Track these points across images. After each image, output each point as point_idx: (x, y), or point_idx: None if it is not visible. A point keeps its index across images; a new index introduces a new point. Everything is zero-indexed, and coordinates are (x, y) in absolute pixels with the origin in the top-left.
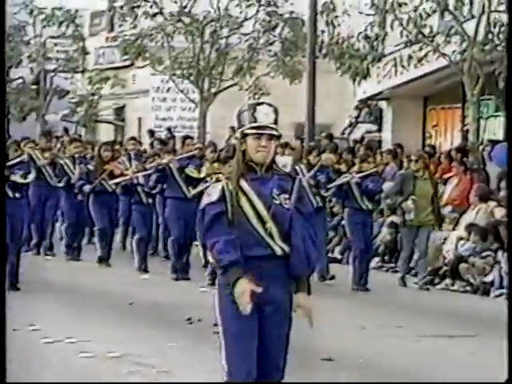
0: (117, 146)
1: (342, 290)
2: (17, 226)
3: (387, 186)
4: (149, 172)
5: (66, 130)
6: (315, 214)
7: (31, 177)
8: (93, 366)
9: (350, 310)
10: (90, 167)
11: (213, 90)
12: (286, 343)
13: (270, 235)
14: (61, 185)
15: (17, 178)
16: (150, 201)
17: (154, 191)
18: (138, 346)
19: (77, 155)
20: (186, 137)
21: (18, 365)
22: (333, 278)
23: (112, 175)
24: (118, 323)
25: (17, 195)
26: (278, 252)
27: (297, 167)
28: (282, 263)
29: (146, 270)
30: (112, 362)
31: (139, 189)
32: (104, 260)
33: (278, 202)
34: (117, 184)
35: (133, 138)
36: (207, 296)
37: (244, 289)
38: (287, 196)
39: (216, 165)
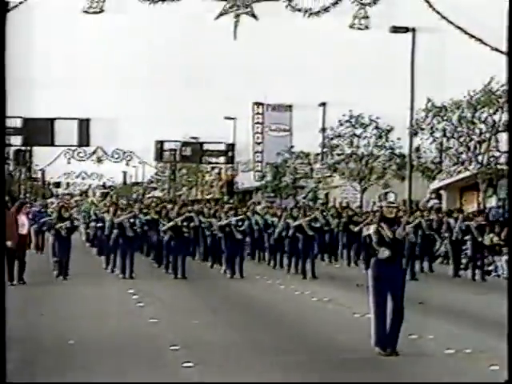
0: None
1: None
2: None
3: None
4: None
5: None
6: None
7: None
8: (320, 307)
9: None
10: None
11: (365, 186)
12: (403, 295)
13: (388, 247)
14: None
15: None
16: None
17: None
18: (333, 293)
19: None
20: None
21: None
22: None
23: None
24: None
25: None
26: (386, 254)
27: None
28: (399, 260)
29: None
30: (323, 302)
31: None
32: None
33: (396, 233)
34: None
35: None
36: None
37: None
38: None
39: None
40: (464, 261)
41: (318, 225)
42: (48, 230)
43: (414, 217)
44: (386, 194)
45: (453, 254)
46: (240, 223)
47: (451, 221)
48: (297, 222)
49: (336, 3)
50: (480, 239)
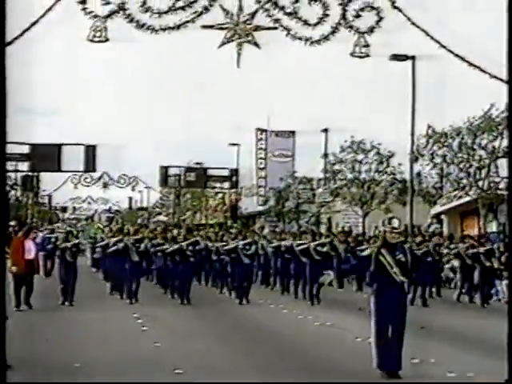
0: None
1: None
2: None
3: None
4: None
5: None
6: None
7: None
8: (322, 331)
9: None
10: None
11: (367, 210)
12: (404, 318)
13: (395, 273)
14: None
15: None
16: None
17: None
18: (335, 318)
19: None
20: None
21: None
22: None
23: None
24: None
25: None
26: (398, 280)
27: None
28: (401, 285)
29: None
30: (326, 326)
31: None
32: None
33: (398, 258)
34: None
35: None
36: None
37: None
38: (402, 255)
39: None
40: (465, 285)
41: (324, 249)
42: (57, 255)
43: (424, 245)
44: (390, 219)
45: (461, 279)
46: (247, 247)
47: (461, 245)
48: (304, 246)
49: (334, 32)
50: (488, 264)
